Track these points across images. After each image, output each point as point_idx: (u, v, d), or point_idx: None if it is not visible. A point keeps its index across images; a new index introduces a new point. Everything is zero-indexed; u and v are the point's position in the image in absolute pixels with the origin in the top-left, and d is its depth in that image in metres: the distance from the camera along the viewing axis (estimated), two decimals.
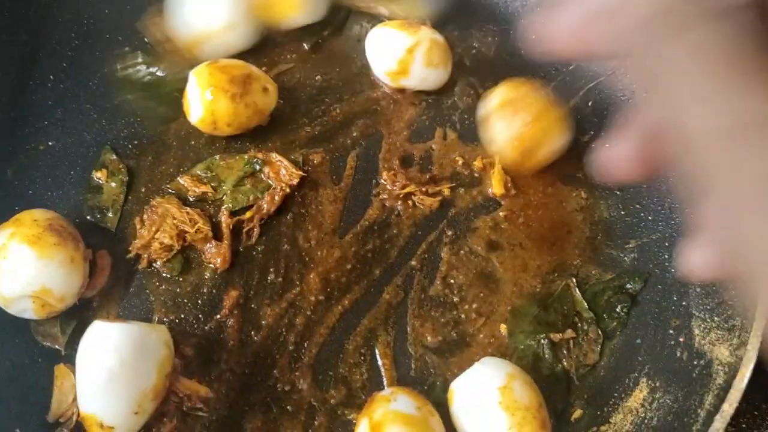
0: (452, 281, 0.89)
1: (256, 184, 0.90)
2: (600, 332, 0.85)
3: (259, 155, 0.91)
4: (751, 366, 0.71)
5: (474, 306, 0.87)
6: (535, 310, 0.87)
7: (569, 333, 0.85)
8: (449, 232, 0.91)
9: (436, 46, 0.94)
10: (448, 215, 0.92)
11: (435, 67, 0.95)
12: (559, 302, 0.87)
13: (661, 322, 0.84)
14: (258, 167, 0.91)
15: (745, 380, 0.70)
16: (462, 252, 0.90)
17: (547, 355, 0.84)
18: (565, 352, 0.85)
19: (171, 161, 0.93)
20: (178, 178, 0.91)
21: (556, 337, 0.84)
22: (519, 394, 0.75)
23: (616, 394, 0.82)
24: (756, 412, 0.90)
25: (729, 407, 0.70)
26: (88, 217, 0.89)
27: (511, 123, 0.89)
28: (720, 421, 0.69)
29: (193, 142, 0.94)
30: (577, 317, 0.86)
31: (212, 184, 0.91)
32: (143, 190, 0.91)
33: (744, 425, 0.89)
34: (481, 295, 0.88)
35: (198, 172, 0.92)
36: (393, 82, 0.97)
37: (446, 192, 0.92)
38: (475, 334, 0.86)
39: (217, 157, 0.92)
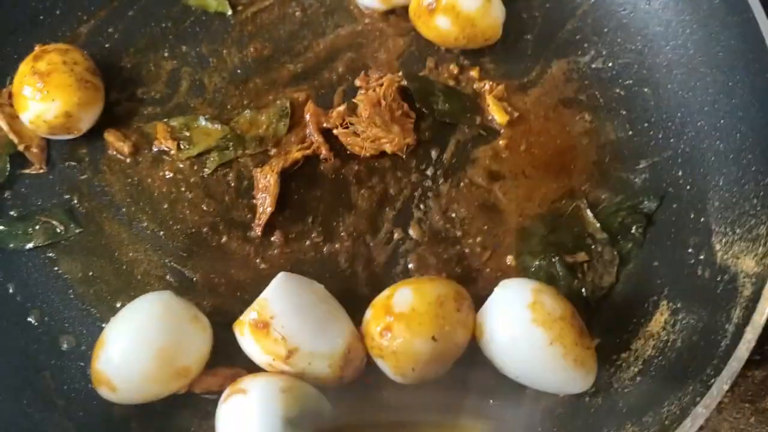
0: (453, 215, 0.83)
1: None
2: (615, 253, 0.80)
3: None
4: None
5: (478, 239, 0.82)
6: (543, 230, 0.81)
7: (582, 256, 0.79)
8: (447, 164, 0.85)
9: None
10: (447, 146, 0.86)
11: None
12: (569, 223, 0.82)
13: (679, 241, 0.79)
14: (230, 147, 0.85)
15: None
16: (462, 184, 0.85)
17: (561, 274, 0.78)
18: (579, 275, 0.79)
19: None
20: (152, 123, 0.87)
21: (569, 259, 0.79)
22: (550, 306, 0.69)
23: (635, 320, 0.77)
24: None
25: (760, 317, 0.64)
26: None
27: None
28: (751, 332, 0.64)
29: None
30: (590, 239, 0.81)
31: (181, 143, 0.86)
32: None
33: None
34: (485, 227, 0.83)
35: (174, 124, 0.87)
36: (383, 2, 0.91)
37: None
38: (481, 268, 0.81)
39: (202, 118, 0.87)
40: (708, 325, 0.70)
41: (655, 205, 0.82)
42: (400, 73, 0.87)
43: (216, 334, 0.73)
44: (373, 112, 0.84)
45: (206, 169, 0.85)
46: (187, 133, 0.87)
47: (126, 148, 0.85)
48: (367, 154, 0.84)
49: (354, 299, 0.76)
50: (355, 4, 0.94)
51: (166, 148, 0.86)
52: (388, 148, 0.84)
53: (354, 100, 0.86)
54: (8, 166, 0.84)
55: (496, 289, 0.73)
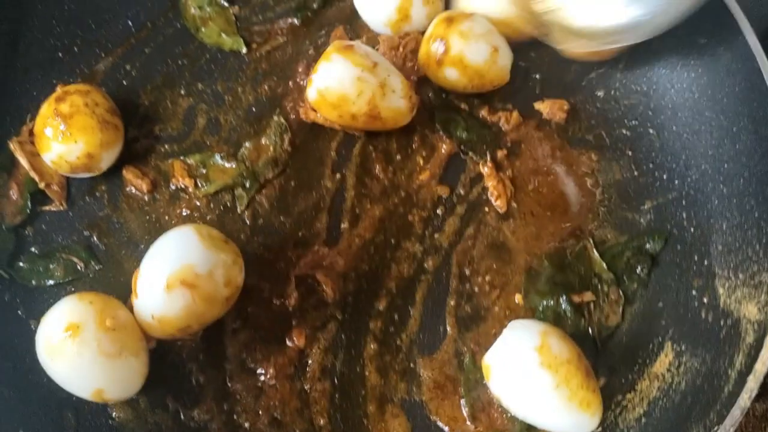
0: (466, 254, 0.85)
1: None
2: (621, 293, 0.82)
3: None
4: None
5: (487, 278, 0.84)
6: (550, 270, 0.83)
7: (589, 295, 0.82)
8: (458, 205, 0.88)
9: None
10: (458, 183, 0.89)
11: (432, 2, 0.92)
12: (575, 263, 0.84)
13: (683, 283, 0.81)
14: (247, 184, 0.87)
15: None
16: (472, 223, 0.87)
17: (568, 314, 0.81)
18: (586, 315, 0.81)
19: None
20: (169, 161, 0.88)
21: (576, 299, 0.81)
22: (557, 349, 0.72)
23: (640, 361, 0.79)
24: None
25: (762, 366, 0.67)
26: None
27: None
28: (753, 381, 0.66)
29: None
30: (596, 279, 0.83)
31: (198, 180, 0.88)
32: None
33: None
34: (494, 266, 0.85)
35: (190, 161, 0.89)
36: (395, 31, 0.93)
37: None
38: (490, 307, 0.83)
39: (217, 156, 0.89)
40: (712, 369, 0.72)
41: (660, 245, 0.84)
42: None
43: None
44: (389, 53, 0.89)
45: (239, 206, 0.87)
46: (204, 171, 0.89)
47: (144, 185, 0.87)
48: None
49: None
50: (370, 35, 0.96)
51: (183, 186, 0.88)
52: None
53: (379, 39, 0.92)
54: (29, 203, 0.86)
55: (504, 331, 0.76)
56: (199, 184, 0.88)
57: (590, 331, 0.81)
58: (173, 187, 0.88)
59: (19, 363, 0.78)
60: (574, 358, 0.72)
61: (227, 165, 0.89)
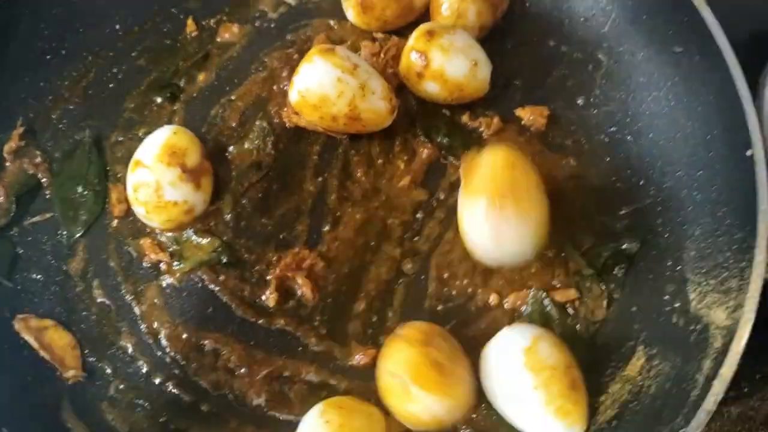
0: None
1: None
2: (603, 287, 0.84)
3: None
4: (749, 328, 0.69)
5: (465, 282, 0.85)
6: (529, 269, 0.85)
7: (572, 293, 0.83)
8: (438, 210, 0.89)
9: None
10: (438, 188, 0.90)
11: None
12: (554, 261, 0.85)
13: (657, 288, 0.82)
14: (224, 259, 0.85)
15: (743, 343, 0.69)
16: (450, 230, 0.88)
17: (554, 314, 0.82)
18: (572, 312, 0.83)
19: None
20: (139, 240, 0.87)
21: (559, 297, 0.83)
22: (545, 354, 0.73)
23: (613, 364, 0.80)
24: (758, 376, 0.88)
25: (727, 371, 0.68)
26: None
27: None
28: (718, 386, 0.67)
29: None
30: (578, 276, 0.84)
31: (172, 255, 0.86)
32: None
33: (746, 389, 0.88)
34: (472, 270, 0.86)
35: (162, 239, 0.87)
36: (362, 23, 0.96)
37: None
38: (468, 310, 0.84)
39: (192, 232, 0.87)
40: (681, 373, 0.74)
41: (637, 246, 0.85)
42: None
43: None
44: (371, 59, 0.92)
45: (224, 211, 0.88)
46: (177, 248, 0.87)
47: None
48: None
49: None
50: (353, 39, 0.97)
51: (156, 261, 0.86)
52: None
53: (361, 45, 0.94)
54: (14, 206, 0.88)
55: (503, 330, 0.78)
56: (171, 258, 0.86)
57: (578, 327, 0.82)
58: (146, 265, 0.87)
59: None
60: (560, 366, 0.73)
61: (202, 240, 0.87)
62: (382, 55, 0.92)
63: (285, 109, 0.92)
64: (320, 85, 0.84)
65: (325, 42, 0.95)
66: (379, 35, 0.95)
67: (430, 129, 0.92)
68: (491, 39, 0.95)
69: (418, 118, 0.92)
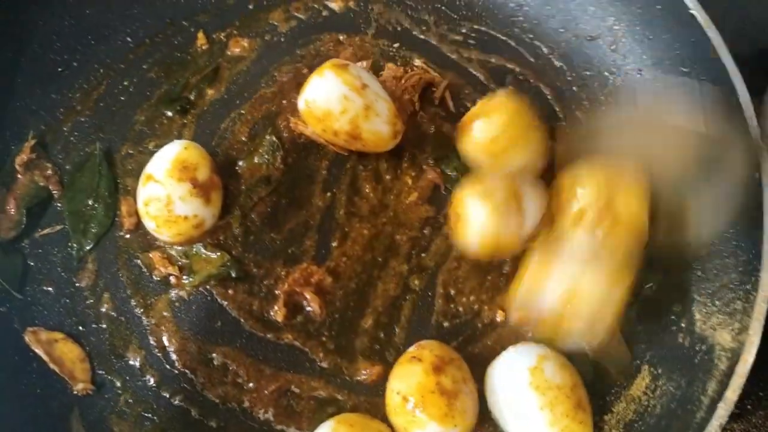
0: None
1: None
2: None
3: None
4: (754, 351, 0.70)
5: (471, 298, 0.86)
6: None
7: None
8: (445, 226, 0.90)
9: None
10: (444, 208, 0.90)
11: None
12: None
13: (663, 307, 0.83)
14: (233, 274, 0.85)
15: (748, 366, 0.70)
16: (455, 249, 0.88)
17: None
18: None
19: None
20: (149, 253, 0.87)
21: None
22: (551, 374, 0.74)
23: (618, 383, 0.81)
24: (761, 393, 0.89)
25: (732, 394, 0.69)
26: None
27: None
28: (724, 408, 0.68)
29: None
30: None
31: (181, 268, 0.87)
32: None
33: (749, 406, 0.88)
34: (479, 287, 0.86)
35: (172, 252, 0.88)
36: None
37: None
38: (475, 326, 0.85)
39: (201, 246, 0.87)
40: (686, 395, 0.75)
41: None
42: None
43: None
44: (391, 81, 0.93)
45: (233, 225, 0.88)
46: (187, 261, 0.87)
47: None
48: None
49: None
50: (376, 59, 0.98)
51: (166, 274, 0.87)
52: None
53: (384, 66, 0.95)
54: (25, 218, 0.88)
55: (509, 348, 0.78)
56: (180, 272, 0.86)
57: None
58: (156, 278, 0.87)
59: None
60: (566, 386, 0.74)
61: (211, 254, 0.87)
62: (403, 81, 0.92)
63: (293, 117, 0.92)
64: (326, 99, 0.85)
65: (349, 58, 0.96)
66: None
67: (440, 158, 0.93)
68: None
69: (431, 145, 0.93)
